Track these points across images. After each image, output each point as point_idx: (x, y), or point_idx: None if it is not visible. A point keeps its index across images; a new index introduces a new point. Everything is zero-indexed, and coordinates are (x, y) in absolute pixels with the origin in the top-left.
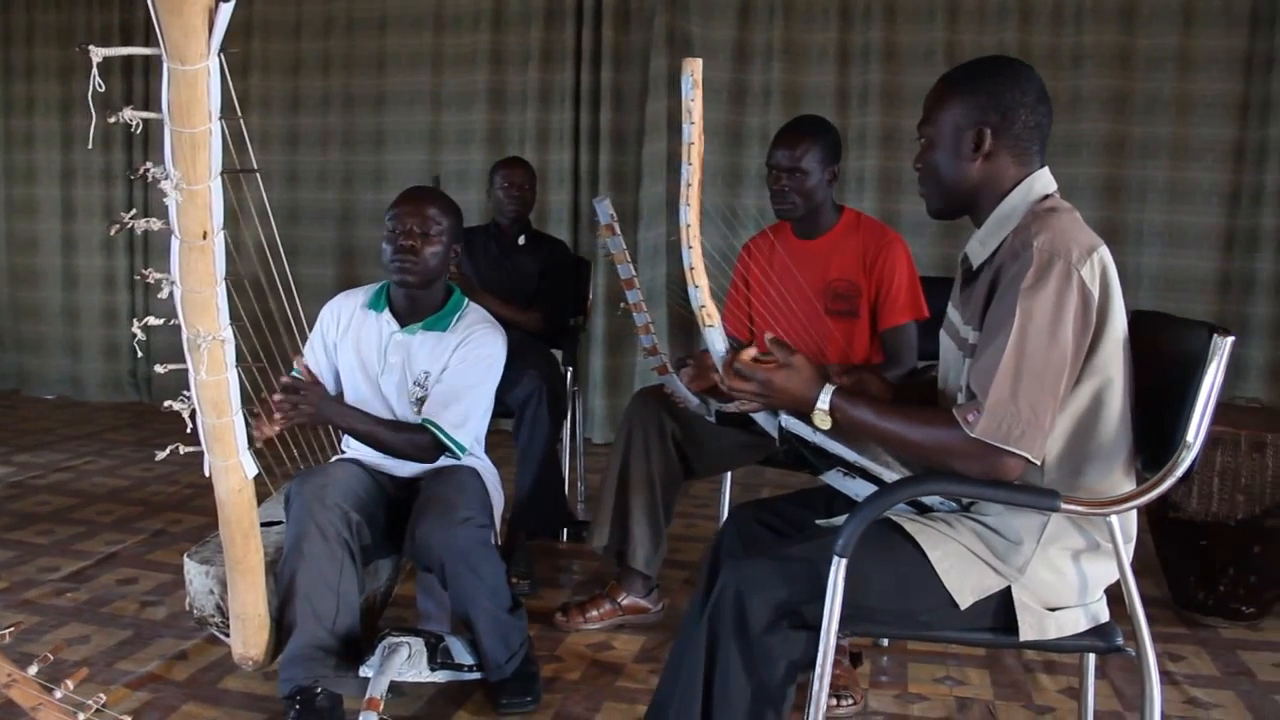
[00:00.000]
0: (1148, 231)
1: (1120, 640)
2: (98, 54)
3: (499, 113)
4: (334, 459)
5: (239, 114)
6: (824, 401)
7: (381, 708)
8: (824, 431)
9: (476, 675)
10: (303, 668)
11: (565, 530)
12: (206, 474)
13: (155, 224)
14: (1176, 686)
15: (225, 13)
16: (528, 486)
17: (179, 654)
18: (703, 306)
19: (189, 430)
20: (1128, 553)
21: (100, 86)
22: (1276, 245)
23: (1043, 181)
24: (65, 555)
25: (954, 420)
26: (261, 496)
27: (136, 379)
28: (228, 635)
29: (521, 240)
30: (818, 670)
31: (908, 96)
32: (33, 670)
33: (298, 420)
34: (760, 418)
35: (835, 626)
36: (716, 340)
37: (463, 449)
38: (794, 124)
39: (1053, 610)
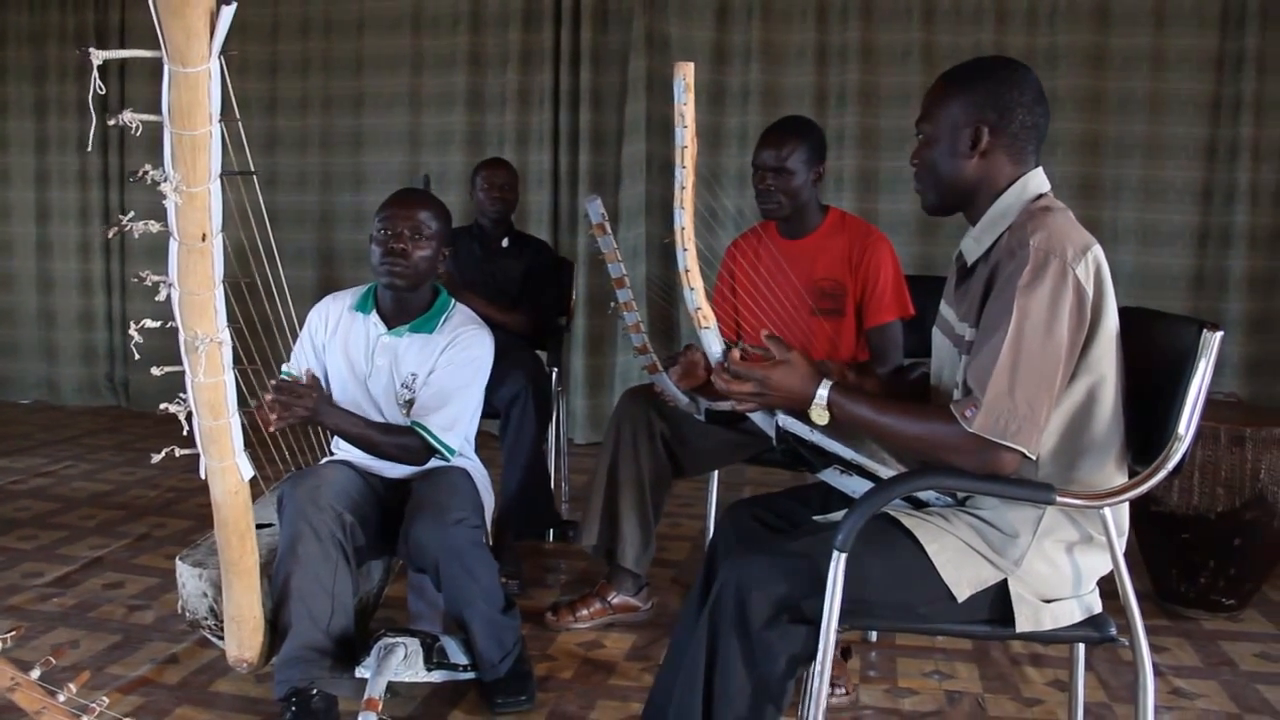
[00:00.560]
0: (1122, 229)
1: (1114, 630)
2: (98, 56)
3: (478, 114)
4: (324, 461)
5: (238, 116)
6: (821, 397)
7: (380, 708)
8: (821, 429)
9: (471, 675)
10: (298, 669)
11: (551, 530)
12: (202, 476)
13: (155, 226)
14: (1161, 677)
15: (227, 15)
16: (515, 487)
17: (170, 658)
18: (699, 308)
19: (185, 433)
20: (1120, 545)
21: (101, 89)
22: (1249, 242)
23: (1037, 181)
24: (49, 560)
25: (952, 416)
26: (251, 499)
27: (114, 383)
28: (221, 638)
29: (505, 242)
30: (818, 663)
31: (885, 96)
32: (35, 674)
33: (292, 421)
34: (757, 417)
35: (836, 620)
36: (713, 342)
37: (452, 451)
38: (780, 124)
39: (1048, 602)
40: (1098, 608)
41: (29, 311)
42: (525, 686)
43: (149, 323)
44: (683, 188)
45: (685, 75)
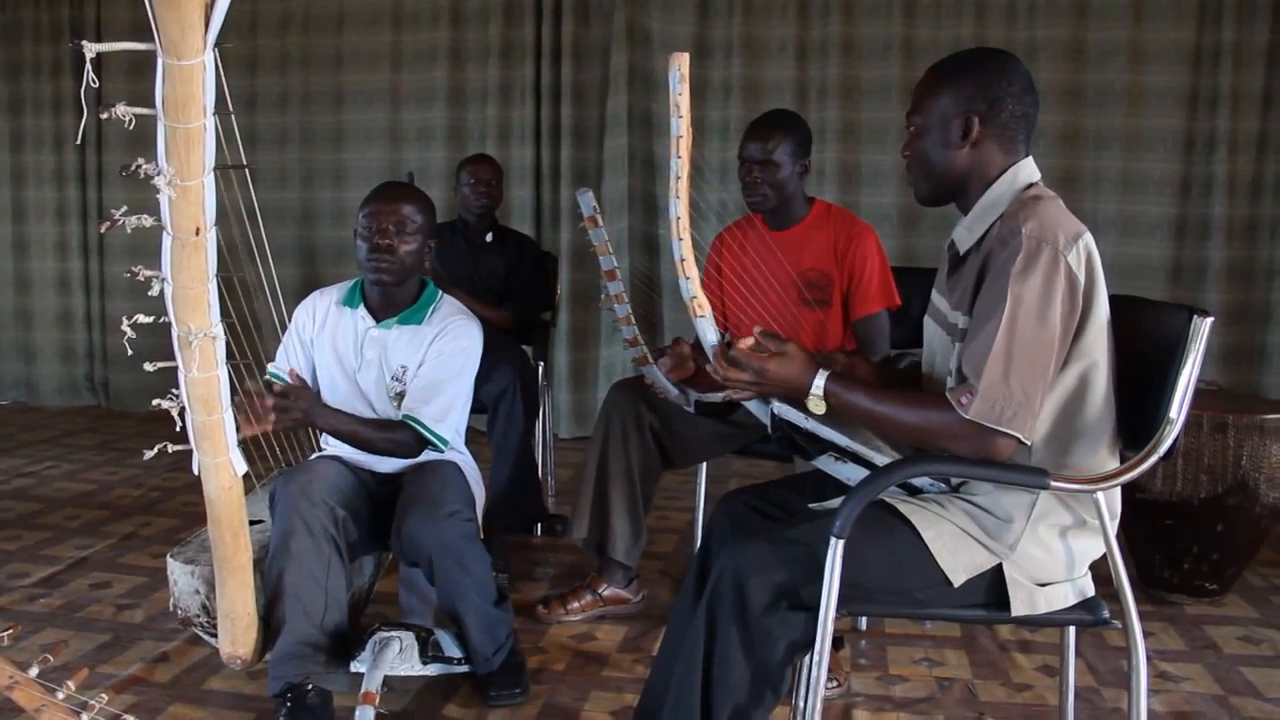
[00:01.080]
0: (1102, 220)
1: (1107, 613)
2: (91, 49)
3: (459, 109)
4: (314, 456)
5: (231, 109)
6: (818, 387)
7: (377, 701)
8: (816, 417)
9: (465, 668)
10: (293, 665)
11: (539, 524)
12: (195, 472)
13: (148, 221)
14: (1148, 662)
15: (222, 7)
16: (503, 482)
17: (160, 656)
18: (694, 298)
19: (179, 429)
20: (1112, 529)
21: (94, 82)
22: (1227, 233)
23: (1027, 170)
24: (34, 561)
25: (947, 403)
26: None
27: (93, 383)
28: (214, 635)
29: (489, 237)
30: (816, 649)
31: (866, 91)
32: (33, 672)
33: (285, 425)
34: (752, 406)
35: (834, 606)
36: (708, 331)
37: (445, 443)
38: (766, 117)
39: (1042, 586)
40: (1090, 591)
41: (6, 311)
42: (519, 679)
43: (142, 318)
44: (678, 178)
45: (680, 66)
